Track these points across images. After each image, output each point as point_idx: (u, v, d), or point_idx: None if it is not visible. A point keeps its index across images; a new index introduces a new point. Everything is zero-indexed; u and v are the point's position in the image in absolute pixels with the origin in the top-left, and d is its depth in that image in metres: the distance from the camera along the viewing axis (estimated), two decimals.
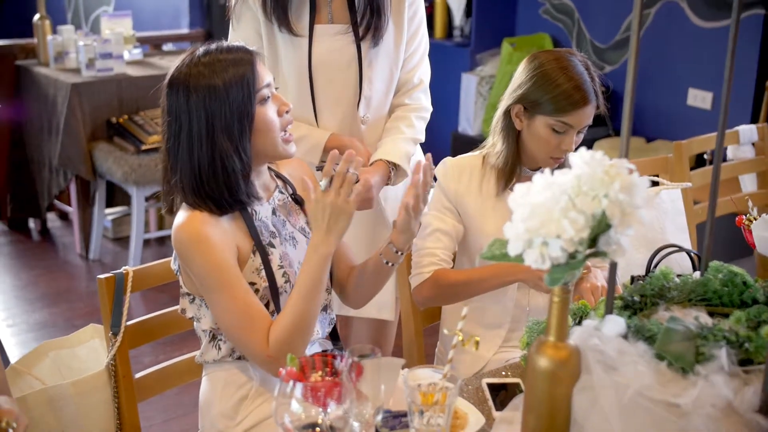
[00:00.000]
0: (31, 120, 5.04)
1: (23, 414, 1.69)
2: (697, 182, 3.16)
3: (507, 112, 2.29)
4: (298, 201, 2.04)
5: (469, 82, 5.64)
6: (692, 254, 2.55)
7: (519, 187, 1.33)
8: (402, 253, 1.98)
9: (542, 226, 1.28)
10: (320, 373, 1.42)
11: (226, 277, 1.80)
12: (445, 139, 5.76)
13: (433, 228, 2.30)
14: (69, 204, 5.13)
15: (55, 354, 2.12)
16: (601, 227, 1.28)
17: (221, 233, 1.84)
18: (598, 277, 2.15)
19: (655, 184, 2.92)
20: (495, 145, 2.32)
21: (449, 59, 5.82)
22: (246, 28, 2.43)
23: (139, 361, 3.55)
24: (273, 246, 1.92)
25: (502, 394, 1.76)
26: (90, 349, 2.14)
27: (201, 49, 1.87)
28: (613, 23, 5.20)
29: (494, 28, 5.73)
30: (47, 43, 4.98)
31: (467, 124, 5.70)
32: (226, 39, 2.41)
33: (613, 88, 5.16)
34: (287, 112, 1.93)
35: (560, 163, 2.27)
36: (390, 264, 2.00)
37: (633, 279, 2.01)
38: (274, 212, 1.97)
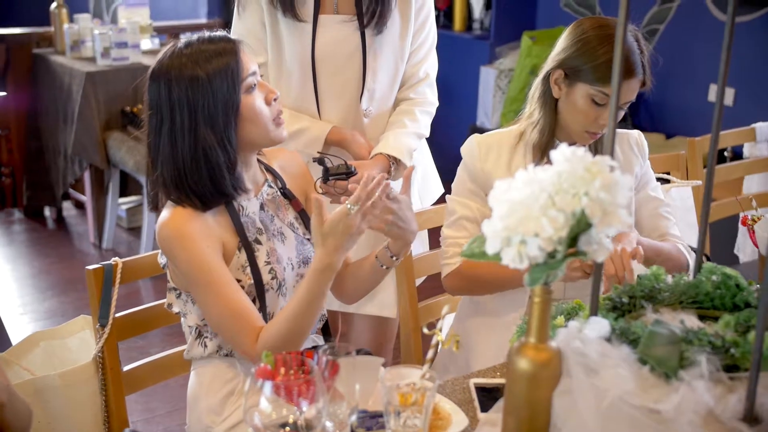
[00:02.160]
0: (46, 108, 5.05)
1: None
2: None
3: (546, 78, 2.16)
4: (288, 196, 2.01)
5: (488, 76, 5.58)
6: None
7: (499, 184, 1.30)
8: (398, 258, 1.94)
9: (520, 224, 1.24)
10: (292, 371, 1.39)
11: (211, 274, 1.78)
12: (463, 132, 5.70)
13: (458, 216, 2.23)
14: (84, 193, 5.13)
15: (46, 344, 2.10)
16: (581, 226, 1.23)
17: (206, 229, 1.81)
18: (632, 241, 2.01)
19: (666, 181, 2.87)
20: (532, 114, 2.21)
21: (468, 52, 5.77)
22: (250, 17, 2.41)
23: (145, 352, 3.54)
24: (259, 242, 1.89)
25: (489, 395, 1.72)
26: (81, 341, 2.12)
27: (183, 41, 1.83)
28: (635, 17, 5.12)
29: (514, 21, 5.66)
30: (64, 31, 4.98)
31: (485, 117, 5.64)
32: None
33: None
34: (275, 99, 1.88)
35: (596, 140, 2.16)
36: (385, 267, 1.96)
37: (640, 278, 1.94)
38: (262, 207, 1.94)
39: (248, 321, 1.78)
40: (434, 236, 2.66)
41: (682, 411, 1.25)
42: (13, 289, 4.50)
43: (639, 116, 5.17)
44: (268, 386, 1.31)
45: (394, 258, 1.93)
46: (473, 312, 2.33)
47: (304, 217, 2.01)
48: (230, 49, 1.81)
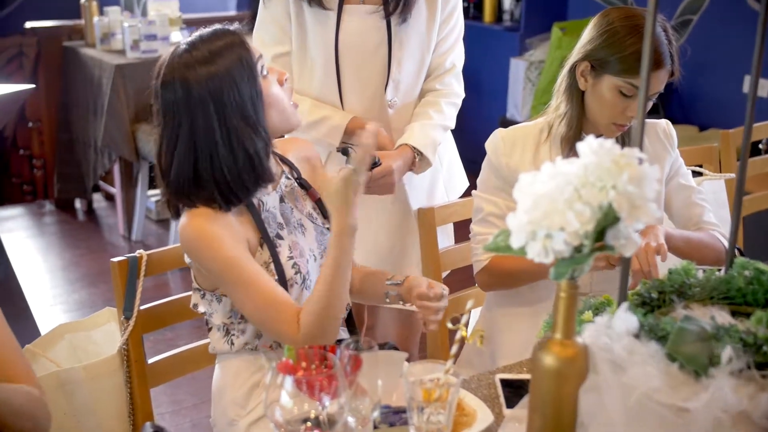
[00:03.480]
0: (77, 101, 5.08)
1: None
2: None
3: (572, 70, 2.14)
4: (304, 185, 1.99)
5: (517, 68, 5.54)
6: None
7: (524, 176, 1.27)
8: (404, 303, 1.98)
9: (545, 217, 1.21)
10: (314, 365, 1.37)
11: (241, 269, 1.76)
12: (492, 124, 5.62)
13: (485, 213, 2.21)
14: (114, 185, 5.16)
15: (71, 337, 2.10)
16: (608, 220, 1.20)
17: (227, 226, 1.79)
18: (658, 235, 1.98)
19: (699, 174, 2.82)
20: (558, 107, 2.18)
21: (498, 44, 5.73)
22: (276, 6, 2.40)
23: (173, 344, 3.54)
24: (281, 237, 1.88)
25: (515, 391, 1.70)
26: (106, 333, 2.11)
27: (184, 44, 1.79)
28: (669, 8, 5.05)
29: (545, 13, 5.61)
30: (94, 24, 5.00)
31: (515, 110, 5.60)
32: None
33: None
34: (286, 79, 1.89)
35: (623, 132, 2.13)
36: (389, 302, 2.01)
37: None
38: (282, 200, 1.92)
39: (286, 307, 1.77)
40: (460, 230, 2.64)
41: (711, 410, 1.22)
42: (44, 281, 4.53)
43: (671, 108, 5.10)
44: (289, 381, 1.30)
45: (402, 303, 1.98)
46: (500, 302, 2.31)
47: (321, 206, 1.99)
48: (237, 40, 1.80)
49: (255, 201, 1.86)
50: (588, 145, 1.23)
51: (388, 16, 2.31)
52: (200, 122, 1.76)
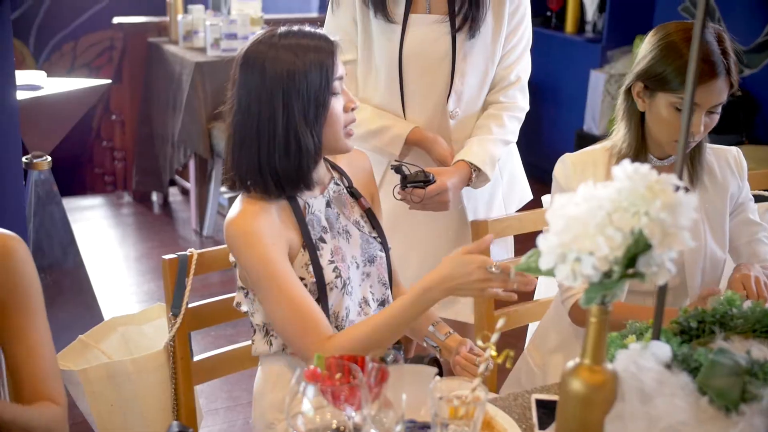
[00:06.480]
0: (158, 96, 5.19)
1: None
2: None
3: (629, 92, 2.10)
4: (354, 194, 2.00)
5: (597, 80, 5.45)
6: None
7: (558, 198, 1.25)
8: (440, 355, 2.00)
9: (575, 240, 1.20)
10: (340, 375, 1.37)
11: (277, 274, 1.78)
12: (568, 136, 5.60)
13: None
14: (189, 180, 5.25)
15: (124, 329, 2.16)
16: (639, 246, 1.18)
17: (272, 228, 1.81)
18: (754, 268, 1.99)
19: (765, 199, 2.73)
20: (618, 130, 2.14)
21: (578, 55, 5.65)
22: (343, 14, 2.41)
23: (233, 341, 3.59)
24: (324, 241, 1.88)
25: (550, 412, 1.67)
26: (157, 328, 2.16)
27: (282, 29, 1.83)
28: (756, 25, 4.92)
29: (628, 25, 5.52)
30: (178, 21, 5.10)
31: (593, 122, 5.51)
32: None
33: (752, 94, 4.88)
34: (353, 109, 1.89)
35: (690, 151, 2.07)
36: (425, 344, 2.04)
37: None
38: (328, 204, 1.93)
39: (315, 326, 1.77)
40: (520, 243, 2.61)
41: None
42: (120, 270, 4.65)
43: (757, 128, 4.96)
44: (311, 390, 1.30)
45: (438, 353, 2.00)
46: (555, 321, 2.27)
47: (370, 216, 2.00)
48: (328, 48, 1.82)
49: (301, 203, 1.87)
50: (623, 169, 1.20)
51: (454, 32, 2.31)
52: (266, 108, 1.79)
